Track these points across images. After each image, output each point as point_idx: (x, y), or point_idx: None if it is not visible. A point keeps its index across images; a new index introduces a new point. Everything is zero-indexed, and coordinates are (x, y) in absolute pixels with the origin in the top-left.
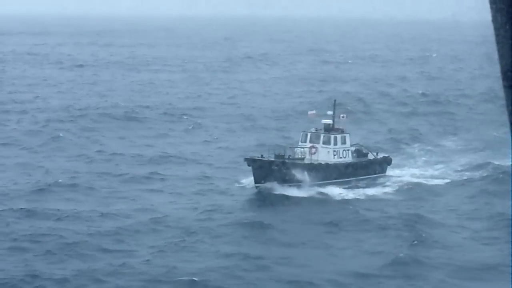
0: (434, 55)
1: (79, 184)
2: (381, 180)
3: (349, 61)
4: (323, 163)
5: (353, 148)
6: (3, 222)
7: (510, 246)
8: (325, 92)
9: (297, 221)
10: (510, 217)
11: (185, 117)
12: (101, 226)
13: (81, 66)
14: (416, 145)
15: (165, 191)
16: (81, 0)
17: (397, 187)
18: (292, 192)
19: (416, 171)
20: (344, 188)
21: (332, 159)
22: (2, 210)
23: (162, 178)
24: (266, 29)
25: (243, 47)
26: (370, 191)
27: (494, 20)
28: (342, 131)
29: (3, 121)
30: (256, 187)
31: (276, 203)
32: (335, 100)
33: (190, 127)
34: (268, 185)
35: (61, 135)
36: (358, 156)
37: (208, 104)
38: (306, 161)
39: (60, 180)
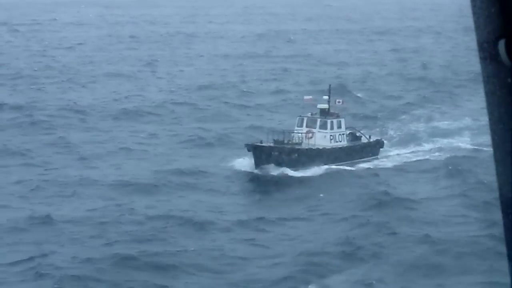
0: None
1: None
2: (374, 162)
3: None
4: (320, 147)
5: (347, 132)
6: None
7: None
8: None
9: (290, 199)
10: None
11: None
12: None
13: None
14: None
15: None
16: None
17: (387, 167)
18: (290, 173)
19: (407, 150)
20: (337, 170)
21: (328, 144)
22: None
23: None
24: None
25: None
26: (361, 172)
27: None
28: (337, 116)
29: None
30: (257, 169)
31: (274, 184)
32: (330, 85)
33: None
34: (267, 167)
35: None
36: (352, 140)
37: None
38: (303, 146)
39: None
